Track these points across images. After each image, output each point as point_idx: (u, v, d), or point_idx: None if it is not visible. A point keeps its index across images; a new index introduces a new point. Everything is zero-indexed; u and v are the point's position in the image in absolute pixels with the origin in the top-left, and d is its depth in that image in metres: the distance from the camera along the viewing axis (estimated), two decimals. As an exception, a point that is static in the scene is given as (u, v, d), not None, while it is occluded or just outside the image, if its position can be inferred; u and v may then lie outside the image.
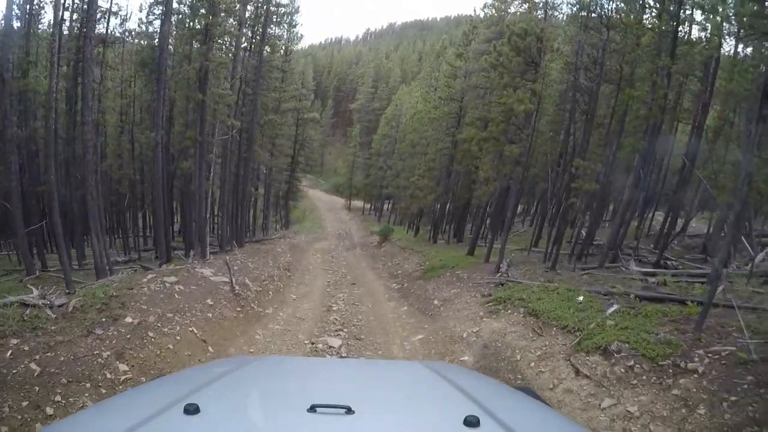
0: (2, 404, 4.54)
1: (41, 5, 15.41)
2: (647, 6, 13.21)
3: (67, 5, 13.63)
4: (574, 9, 14.51)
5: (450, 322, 9.67)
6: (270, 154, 27.10)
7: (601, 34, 12.52)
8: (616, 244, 14.37)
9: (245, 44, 20.24)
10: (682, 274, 12.48)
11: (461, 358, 7.78)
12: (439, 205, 23.43)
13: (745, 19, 9.13)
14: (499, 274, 12.28)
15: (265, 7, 20.22)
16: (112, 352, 6.00)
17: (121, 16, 17.59)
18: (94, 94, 12.89)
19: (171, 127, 16.83)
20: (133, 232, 19.49)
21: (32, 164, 14.86)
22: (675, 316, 7.43)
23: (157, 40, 14.17)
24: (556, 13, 18.61)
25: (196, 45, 13.07)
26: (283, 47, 26.08)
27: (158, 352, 6.55)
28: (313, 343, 8.44)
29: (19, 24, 13.32)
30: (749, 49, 15.05)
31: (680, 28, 13.18)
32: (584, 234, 15.52)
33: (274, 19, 21.56)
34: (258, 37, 20.33)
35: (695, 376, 5.39)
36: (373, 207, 51.07)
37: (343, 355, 8.00)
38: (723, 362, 5.42)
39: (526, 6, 18.99)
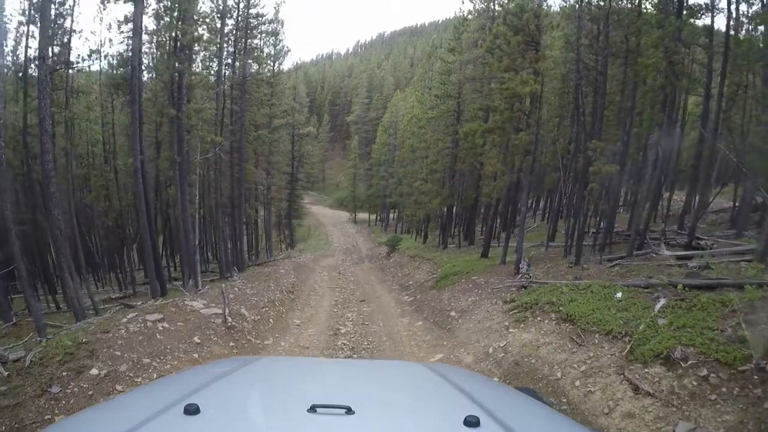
0: None
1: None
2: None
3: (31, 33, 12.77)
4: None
5: (472, 337, 8.53)
6: (266, 173, 26.11)
7: (602, 1, 11.46)
8: (643, 228, 13.17)
9: (228, 60, 19.45)
10: (720, 253, 11.28)
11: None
12: (445, 209, 22.28)
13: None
14: (520, 275, 11.13)
15: (245, 20, 19.38)
16: (67, 415, 4.93)
17: (95, 41, 16.59)
18: (61, 121, 11.93)
19: (159, 152, 16.00)
20: (128, 266, 18.47)
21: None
22: (736, 305, 6.29)
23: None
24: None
25: (165, 56, 12.09)
26: (271, 62, 25.37)
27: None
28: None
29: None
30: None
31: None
32: (604, 222, 14.34)
33: (255, 33, 20.73)
34: (241, 51, 19.47)
35: (794, 383, 4.25)
36: (378, 218, 50.23)
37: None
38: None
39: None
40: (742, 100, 16.49)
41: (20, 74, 11.31)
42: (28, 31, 12.76)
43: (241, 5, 19.19)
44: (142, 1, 11.71)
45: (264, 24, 20.86)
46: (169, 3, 12.04)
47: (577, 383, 5.83)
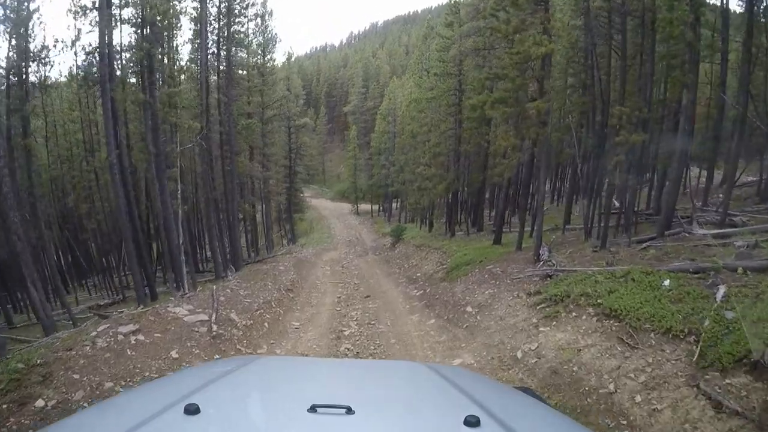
0: None
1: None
2: None
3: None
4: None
5: (494, 337, 7.39)
6: (262, 166, 24.95)
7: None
8: (671, 206, 11.98)
9: (213, 49, 18.21)
10: (762, 230, 10.13)
11: (524, 393, 5.51)
12: (451, 195, 21.05)
13: None
14: (541, 263, 9.97)
15: (227, 3, 18.10)
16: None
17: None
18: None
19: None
20: (121, 270, 17.39)
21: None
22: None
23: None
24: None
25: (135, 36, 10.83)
26: (260, 50, 24.10)
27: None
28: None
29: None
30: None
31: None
32: (625, 200, 13.16)
33: (241, 20, 19.45)
34: (224, 38, 18.19)
35: None
36: (381, 208, 49.12)
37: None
38: None
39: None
40: (764, 64, 15.23)
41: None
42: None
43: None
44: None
45: (247, 8, 19.56)
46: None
47: (638, 398, 4.69)
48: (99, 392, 5.37)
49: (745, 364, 4.31)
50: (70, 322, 10.17)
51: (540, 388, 5.46)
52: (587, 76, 14.82)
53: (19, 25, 11.56)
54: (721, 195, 16.66)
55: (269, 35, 24.94)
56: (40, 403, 4.91)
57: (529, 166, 12.09)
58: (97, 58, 11.04)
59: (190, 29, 18.33)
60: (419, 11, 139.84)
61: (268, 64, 25.13)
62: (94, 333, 7.04)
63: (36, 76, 12.85)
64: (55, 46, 12.50)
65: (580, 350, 5.86)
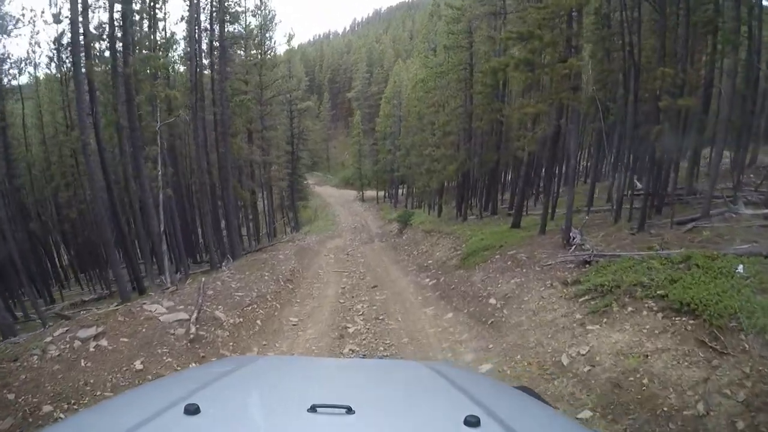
0: None
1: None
2: None
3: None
4: None
5: (528, 336, 6.15)
6: (261, 150, 23.67)
7: None
8: (712, 183, 10.64)
9: (206, 24, 16.89)
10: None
11: (579, 415, 4.26)
12: (462, 176, 19.66)
13: None
14: (573, 247, 8.69)
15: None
16: None
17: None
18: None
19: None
20: (108, 263, 16.23)
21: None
22: None
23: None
24: None
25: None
26: (258, 29, 22.73)
27: None
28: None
29: None
30: None
31: None
32: (660, 177, 11.82)
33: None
34: (217, 11, 16.83)
35: None
36: (387, 194, 47.81)
37: None
38: None
39: None
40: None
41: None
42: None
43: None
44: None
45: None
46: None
47: (741, 425, 3.46)
48: (33, 419, 4.22)
49: None
50: (43, 322, 9.00)
51: (600, 407, 4.24)
52: (609, 43, 13.42)
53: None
54: (752, 175, 15.35)
55: (267, 13, 23.63)
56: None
57: (554, 138, 10.76)
58: (69, 25, 9.77)
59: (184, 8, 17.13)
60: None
61: (267, 43, 23.80)
62: (48, 339, 5.90)
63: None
64: (23, 15, 11.28)
65: (648, 356, 4.61)
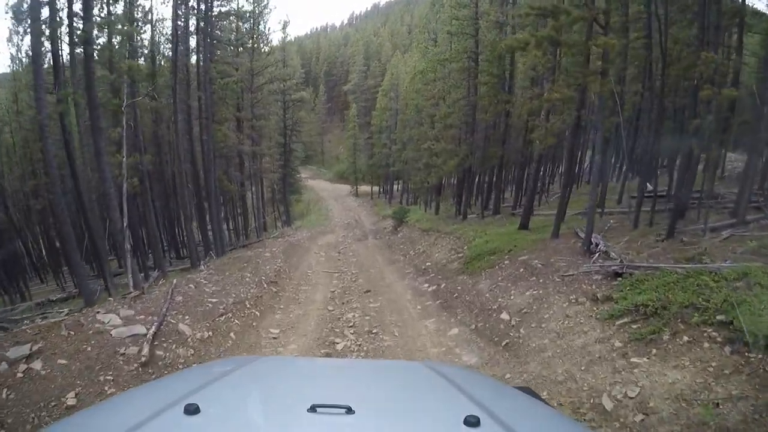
0: None
1: None
2: None
3: None
4: None
5: (555, 365, 5.07)
6: (251, 140, 22.43)
7: None
8: (745, 187, 9.62)
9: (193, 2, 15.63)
10: None
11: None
12: (462, 172, 18.53)
13: None
14: (596, 254, 7.64)
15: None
16: None
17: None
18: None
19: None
20: (69, 261, 14.98)
21: None
22: None
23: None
24: None
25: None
26: (249, 10, 21.46)
27: None
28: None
29: None
30: None
31: None
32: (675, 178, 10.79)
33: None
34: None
35: None
36: (381, 190, 46.81)
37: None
38: None
39: None
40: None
41: None
42: None
43: None
44: None
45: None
46: None
47: None
48: None
49: None
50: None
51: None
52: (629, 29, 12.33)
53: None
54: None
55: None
56: None
57: (573, 131, 9.69)
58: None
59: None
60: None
61: (260, 27, 22.56)
62: (-33, 358, 4.76)
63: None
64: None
65: (720, 405, 3.56)
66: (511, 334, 6.21)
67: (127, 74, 8.66)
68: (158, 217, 21.06)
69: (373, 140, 46.11)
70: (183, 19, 14.79)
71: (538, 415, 1.48)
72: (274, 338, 7.28)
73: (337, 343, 6.90)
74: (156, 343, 5.68)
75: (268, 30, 43.65)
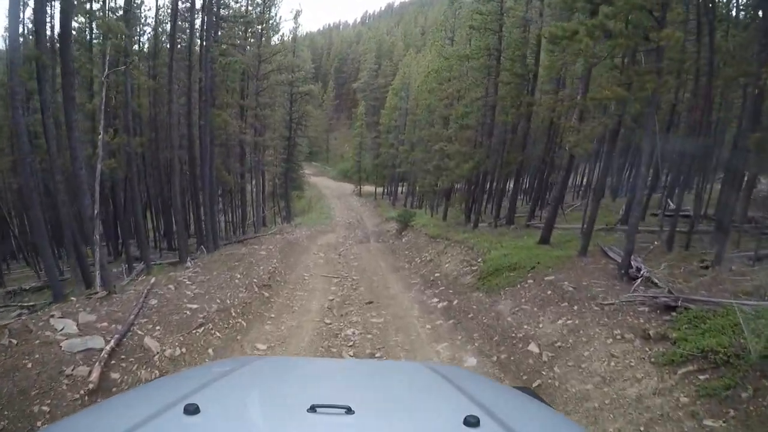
0: None
1: None
2: None
3: None
4: None
5: (605, 422, 4.05)
6: (254, 130, 21.46)
7: None
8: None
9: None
10: None
11: None
12: (475, 176, 17.48)
13: None
14: (638, 280, 6.61)
15: None
16: None
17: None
18: None
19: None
20: (36, 249, 14.00)
21: None
22: None
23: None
24: None
25: None
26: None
27: None
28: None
29: None
30: None
31: None
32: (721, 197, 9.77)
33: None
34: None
35: None
36: (386, 191, 45.93)
37: None
38: None
39: None
40: None
41: None
42: None
43: None
44: None
45: None
46: None
47: None
48: None
49: None
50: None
51: None
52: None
53: None
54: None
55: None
56: None
57: (612, 137, 8.69)
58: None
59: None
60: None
61: (270, 11, 21.63)
62: None
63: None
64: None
65: None
66: (544, 372, 5.19)
67: (107, 37, 7.64)
68: (151, 204, 20.12)
69: (380, 140, 45.26)
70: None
71: (538, 415, 1.46)
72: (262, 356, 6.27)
73: (333, 367, 5.89)
74: (113, 361, 4.68)
75: (279, 18, 42.86)
